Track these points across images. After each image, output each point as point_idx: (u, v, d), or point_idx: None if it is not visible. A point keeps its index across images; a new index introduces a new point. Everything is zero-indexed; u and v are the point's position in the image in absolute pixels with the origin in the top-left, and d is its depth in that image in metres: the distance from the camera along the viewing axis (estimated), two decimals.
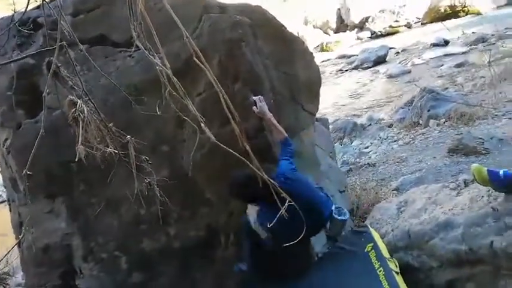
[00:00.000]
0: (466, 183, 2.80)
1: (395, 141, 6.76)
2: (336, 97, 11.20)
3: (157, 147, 3.03)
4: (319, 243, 3.30)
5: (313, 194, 2.67)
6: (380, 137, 7.22)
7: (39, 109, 3.07)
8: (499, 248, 2.00)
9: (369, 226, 2.92)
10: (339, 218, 2.62)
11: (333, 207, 2.68)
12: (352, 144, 7.50)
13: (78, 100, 1.77)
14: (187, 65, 2.91)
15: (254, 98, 2.71)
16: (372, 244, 2.67)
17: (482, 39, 12.28)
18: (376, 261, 2.53)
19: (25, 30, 3.09)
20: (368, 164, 5.91)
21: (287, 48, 3.20)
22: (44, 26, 3.10)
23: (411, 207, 2.88)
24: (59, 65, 2.34)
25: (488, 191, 2.28)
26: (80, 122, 1.76)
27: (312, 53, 3.52)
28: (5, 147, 3.16)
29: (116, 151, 2.00)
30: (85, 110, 1.74)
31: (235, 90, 2.86)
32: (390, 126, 7.71)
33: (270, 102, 2.93)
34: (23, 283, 5.13)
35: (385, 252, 2.59)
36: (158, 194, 2.31)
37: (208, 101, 2.88)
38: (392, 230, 2.77)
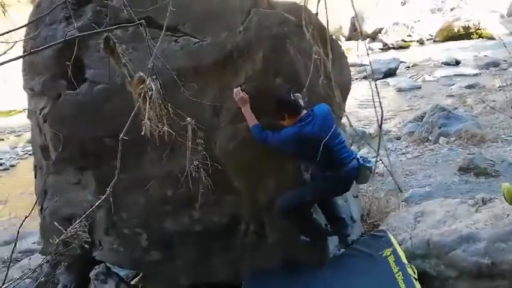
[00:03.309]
0: (484, 201, 2.93)
1: (403, 154, 6.88)
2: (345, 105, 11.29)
3: (194, 132, 3.10)
4: (331, 243, 3.41)
5: None
6: (388, 148, 7.33)
7: (81, 82, 3.14)
8: None
9: (387, 231, 3.03)
10: (369, 165, 2.88)
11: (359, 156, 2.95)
12: (360, 152, 7.60)
13: (147, 78, 1.84)
14: (230, 56, 3.01)
15: (235, 89, 2.86)
16: (391, 249, 2.78)
17: (494, 64, 12.43)
18: (395, 266, 2.64)
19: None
20: (377, 173, 6.01)
21: (326, 51, 3.29)
22: (93, 1, 3.16)
23: (429, 218, 2.99)
24: (116, 41, 2.42)
25: None
26: (147, 99, 1.84)
27: (347, 58, 3.61)
28: (41, 114, 3.22)
29: (172, 131, 2.09)
30: (153, 87, 1.82)
31: (275, 84, 2.95)
32: (398, 138, 7.83)
33: (304, 100, 3.02)
34: (27, 249, 5.22)
35: (404, 258, 2.70)
36: (203, 176, 2.39)
37: (247, 93, 2.97)
38: (410, 238, 2.88)
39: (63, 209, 3.42)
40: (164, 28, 1.93)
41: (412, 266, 2.63)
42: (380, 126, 1.53)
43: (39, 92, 3.21)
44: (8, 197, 5.78)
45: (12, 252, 2.92)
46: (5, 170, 9.85)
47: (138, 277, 4.04)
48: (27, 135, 12.60)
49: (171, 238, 3.24)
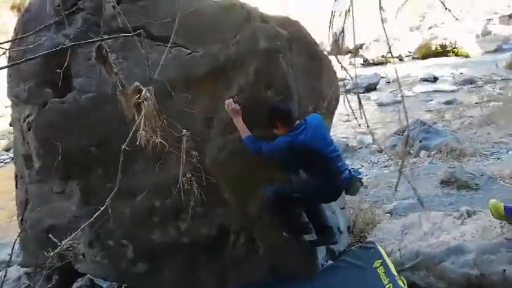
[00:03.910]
0: (469, 214, 2.99)
1: (386, 166, 6.99)
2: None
3: (181, 143, 3.08)
4: (319, 254, 3.42)
5: None
6: (371, 161, 7.45)
7: (67, 90, 3.09)
8: (510, 277, 2.16)
9: (376, 243, 3.05)
10: (360, 176, 2.92)
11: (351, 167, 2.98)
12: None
13: (143, 88, 1.82)
14: (223, 68, 3.01)
15: (227, 101, 2.88)
16: (380, 260, 2.80)
17: (470, 81, 12.86)
18: (385, 277, 2.66)
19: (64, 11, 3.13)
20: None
21: (316, 64, 3.34)
22: (84, 9, 3.12)
23: (417, 231, 3.03)
24: (108, 50, 2.40)
25: (501, 223, 2.45)
26: (143, 109, 1.82)
27: (335, 72, 3.66)
28: (25, 122, 3.14)
29: (164, 142, 2.06)
30: (149, 97, 1.80)
31: (267, 96, 2.96)
32: (380, 151, 7.96)
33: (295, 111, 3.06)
34: (1, 261, 5.01)
35: (393, 270, 2.72)
36: (195, 188, 2.37)
37: (239, 104, 2.97)
38: (399, 250, 2.91)
39: (45, 220, 3.32)
40: (171, 40, 1.91)
41: (402, 277, 2.65)
42: (408, 134, 1.55)
43: (25, 99, 3.14)
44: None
45: None
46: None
47: None
48: (3, 143, 12.24)
49: (158, 250, 3.18)
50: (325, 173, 2.85)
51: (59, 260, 3.27)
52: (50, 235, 2.64)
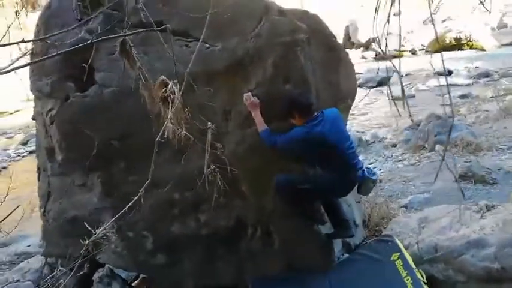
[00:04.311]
0: (488, 208, 2.98)
1: (400, 160, 6.96)
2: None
3: (203, 135, 3.12)
4: (335, 248, 3.44)
5: None
6: (385, 155, 7.42)
7: (89, 84, 3.14)
8: None
9: (394, 236, 3.07)
10: (374, 177, 2.89)
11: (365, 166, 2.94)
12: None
13: (169, 81, 1.86)
14: (241, 62, 3.04)
15: (245, 94, 2.90)
16: (398, 253, 2.81)
17: (485, 74, 12.67)
18: (403, 270, 2.67)
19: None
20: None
21: (334, 58, 3.35)
22: (105, 5, 3.16)
23: (435, 224, 3.04)
24: (132, 45, 2.44)
25: None
26: (170, 102, 1.85)
27: (353, 65, 3.66)
28: (48, 116, 3.21)
29: (189, 134, 2.10)
30: (176, 91, 1.84)
31: (285, 90, 2.98)
32: (394, 146, 7.92)
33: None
34: (22, 252, 5.14)
35: (412, 263, 2.73)
36: (219, 180, 2.41)
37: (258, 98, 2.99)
38: (417, 243, 2.92)
39: (67, 211, 3.39)
40: (202, 37, 1.94)
41: (421, 270, 2.66)
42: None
43: (47, 93, 3.20)
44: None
45: None
46: None
47: (138, 279, 4.01)
48: (19, 137, 12.47)
49: (177, 241, 3.24)
50: (339, 168, 2.85)
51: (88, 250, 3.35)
52: (85, 223, 2.68)
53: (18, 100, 15.67)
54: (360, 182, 2.95)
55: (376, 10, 1.74)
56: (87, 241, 1.52)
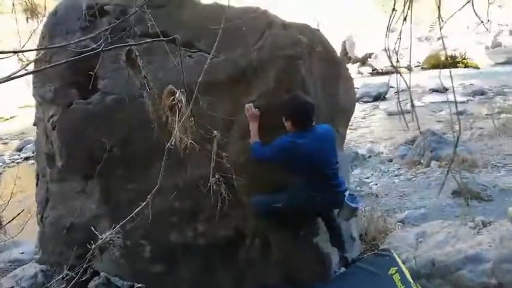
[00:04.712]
0: (484, 224, 3.01)
1: (396, 175, 7.00)
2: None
3: (203, 145, 3.14)
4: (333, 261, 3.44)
5: None
6: (381, 170, 7.46)
7: (92, 91, 3.17)
8: None
9: (391, 250, 3.08)
10: (353, 205, 2.77)
11: (347, 193, 2.82)
12: (353, 172, 7.70)
13: (177, 91, 1.88)
14: (243, 73, 3.08)
15: (247, 105, 2.93)
16: (396, 268, 2.82)
17: (480, 92, 12.85)
18: (400, 284, 2.68)
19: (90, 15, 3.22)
20: (371, 193, 6.11)
21: (334, 72, 3.40)
22: (110, 13, 3.21)
23: (432, 239, 3.06)
24: (137, 54, 2.47)
25: None
26: (176, 111, 1.88)
27: (352, 79, 3.72)
28: (50, 122, 3.22)
29: (194, 143, 2.12)
30: (183, 100, 1.87)
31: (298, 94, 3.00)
32: (390, 160, 7.97)
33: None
34: (15, 259, 5.08)
35: (409, 277, 2.74)
36: (223, 190, 2.42)
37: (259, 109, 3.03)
38: (414, 258, 2.94)
39: (65, 218, 3.38)
40: (214, 49, 1.98)
41: (418, 285, 2.68)
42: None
43: (50, 99, 3.22)
44: None
45: None
46: None
47: None
48: (14, 143, 12.41)
49: (175, 250, 3.23)
50: (316, 186, 2.78)
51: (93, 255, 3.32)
52: (93, 229, 2.66)
53: (14, 106, 15.65)
54: (339, 205, 2.86)
55: (388, 28, 1.79)
56: (93, 245, 1.50)
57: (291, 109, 2.79)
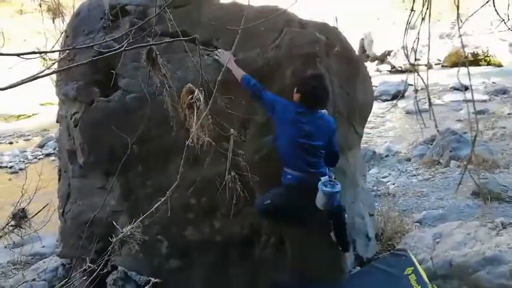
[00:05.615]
0: (504, 225, 2.96)
1: (414, 175, 6.92)
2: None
3: (219, 142, 3.18)
4: (348, 260, 3.44)
5: None
6: (398, 169, 7.38)
7: (113, 90, 3.24)
8: None
9: (408, 251, 3.06)
10: (325, 189, 2.62)
11: (324, 178, 2.69)
12: (370, 172, 7.64)
13: (196, 89, 1.92)
14: (260, 72, 3.10)
15: (218, 51, 3.02)
16: (412, 268, 2.81)
17: (503, 91, 12.55)
18: (416, 284, 2.67)
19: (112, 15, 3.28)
20: (388, 193, 6.06)
21: (352, 70, 3.39)
22: (131, 13, 3.27)
23: (449, 240, 3.02)
24: (157, 53, 2.52)
25: None
26: (195, 109, 1.92)
27: (370, 78, 3.70)
28: (72, 119, 3.30)
29: (211, 141, 2.15)
30: (201, 98, 1.90)
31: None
32: (408, 160, 7.87)
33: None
34: (36, 253, 5.23)
35: (425, 277, 2.73)
36: (238, 187, 2.45)
37: None
38: (431, 258, 2.91)
39: (86, 213, 3.46)
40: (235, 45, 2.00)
41: (434, 285, 2.66)
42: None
43: (73, 97, 3.30)
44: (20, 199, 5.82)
45: None
46: (14, 173, 9.96)
47: (149, 284, 4.04)
48: (36, 140, 12.73)
49: (191, 247, 3.28)
50: (293, 162, 2.77)
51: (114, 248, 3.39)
52: (114, 222, 2.73)
53: (36, 104, 16.05)
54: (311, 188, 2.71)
55: (407, 29, 1.79)
56: (114, 239, 1.55)
57: (306, 86, 2.78)
